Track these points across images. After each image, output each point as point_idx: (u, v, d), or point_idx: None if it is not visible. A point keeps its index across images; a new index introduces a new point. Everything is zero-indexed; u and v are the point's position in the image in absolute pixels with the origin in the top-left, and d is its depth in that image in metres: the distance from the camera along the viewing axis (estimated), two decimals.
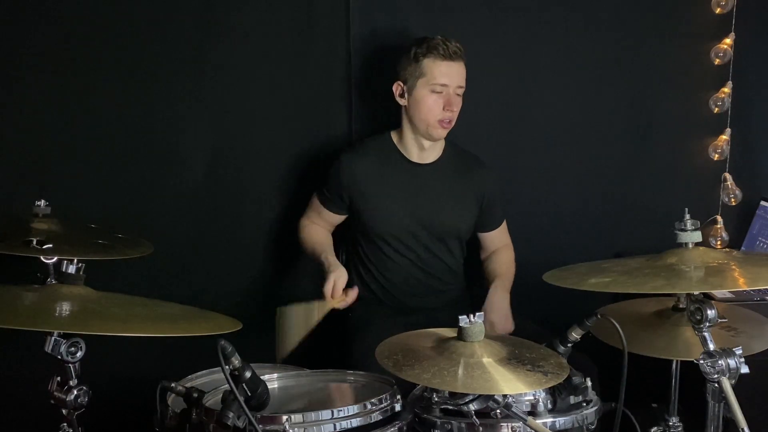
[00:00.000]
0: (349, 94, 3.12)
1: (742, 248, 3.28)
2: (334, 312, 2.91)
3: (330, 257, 2.79)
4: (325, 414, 1.80)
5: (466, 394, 1.86)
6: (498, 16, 3.19)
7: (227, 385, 1.73)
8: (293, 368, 2.29)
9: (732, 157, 3.29)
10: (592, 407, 2.00)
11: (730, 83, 3.25)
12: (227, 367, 1.72)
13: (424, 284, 2.90)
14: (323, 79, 3.10)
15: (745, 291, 2.83)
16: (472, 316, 1.88)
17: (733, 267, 1.93)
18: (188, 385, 2.02)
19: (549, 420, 1.93)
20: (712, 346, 1.84)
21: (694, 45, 3.26)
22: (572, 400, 1.98)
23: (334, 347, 2.87)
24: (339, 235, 3.01)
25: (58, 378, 1.83)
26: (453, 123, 2.81)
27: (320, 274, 2.79)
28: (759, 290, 2.88)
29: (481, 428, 1.86)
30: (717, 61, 3.24)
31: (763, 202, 3.28)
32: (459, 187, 2.91)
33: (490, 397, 1.84)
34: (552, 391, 1.94)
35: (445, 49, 2.74)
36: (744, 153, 3.32)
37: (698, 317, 1.84)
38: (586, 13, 3.23)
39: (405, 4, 3.12)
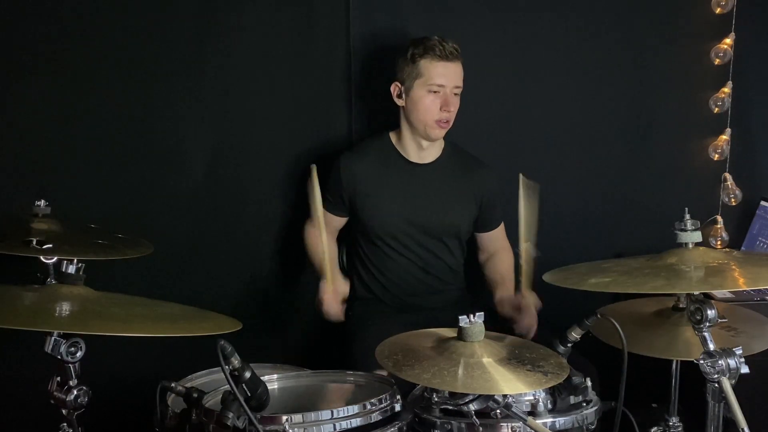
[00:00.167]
0: (349, 94, 3.12)
1: (742, 248, 3.28)
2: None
3: (323, 266, 2.77)
4: (325, 414, 1.80)
5: (466, 394, 1.86)
6: (498, 16, 3.19)
7: (227, 386, 1.73)
8: (293, 368, 2.29)
9: (732, 157, 3.29)
10: (592, 407, 2.00)
11: (730, 83, 3.25)
12: (227, 367, 1.72)
13: (424, 284, 2.91)
14: (323, 79, 3.10)
15: (745, 291, 2.83)
16: (472, 316, 1.88)
17: (733, 267, 1.93)
18: (188, 385, 2.02)
19: (549, 420, 1.93)
20: (712, 346, 1.84)
21: (694, 45, 3.26)
22: (572, 400, 1.98)
23: (334, 347, 2.87)
24: (339, 235, 3.01)
25: (58, 378, 1.82)
26: (451, 123, 2.81)
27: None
28: (759, 290, 2.88)
29: (481, 428, 1.86)
30: (717, 61, 3.24)
31: (763, 202, 3.28)
32: (458, 186, 2.92)
33: (490, 397, 1.84)
34: (552, 391, 1.94)
35: (441, 50, 2.74)
36: (744, 153, 3.32)
37: (698, 317, 1.84)
38: (586, 13, 3.23)
39: (405, 4, 3.12)
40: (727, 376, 1.80)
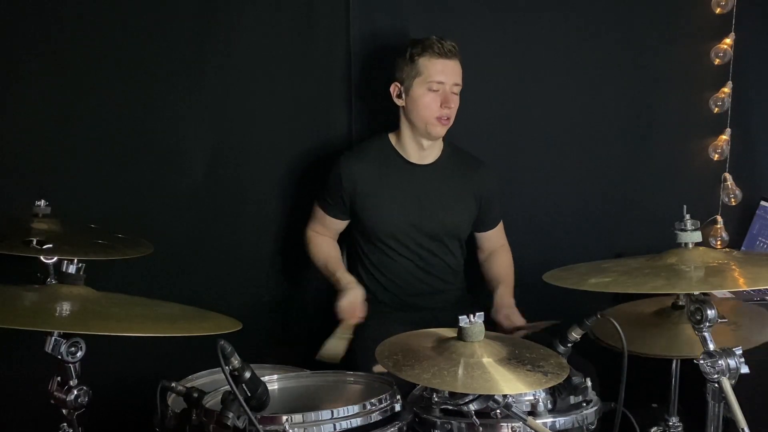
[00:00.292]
0: (349, 95, 3.12)
1: (742, 248, 3.28)
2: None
3: (345, 275, 2.82)
4: (325, 414, 1.80)
5: (466, 394, 1.86)
6: (498, 16, 3.19)
7: (227, 386, 1.73)
8: (293, 368, 2.29)
9: (732, 157, 3.29)
10: (592, 407, 2.00)
11: (730, 83, 3.25)
12: (227, 367, 1.72)
13: (425, 284, 2.90)
14: (323, 79, 3.10)
15: (745, 291, 2.83)
16: (472, 316, 1.88)
17: (733, 267, 1.93)
18: (188, 385, 2.02)
19: (549, 420, 1.93)
20: (712, 346, 1.84)
21: (694, 45, 3.27)
22: (572, 400, 1.98)
23: None
24: (339, 236, 3.01)
25: (58, 378, 1.82)
26: (451, 120, 2.81)
27: (333, 291, 2.82)
28: (759, 290, 2.88)
29: (481, 428, 1.86)
30: (717, 61, 3.25)
31: (763, 202, 3.28)
32: (458, 186, 2.92)
33: (490, 397, 1.84)
34: (552, 391, 1.94)
35: (440, 48, 2.75)
36: (744, 153, 3.32)
37: (698, 317, 1.84)
38: (586, 13, 3.23)
39: (405, 4, 3.12)
40: (727, 376, 1.80)
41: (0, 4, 2.82)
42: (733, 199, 3.30)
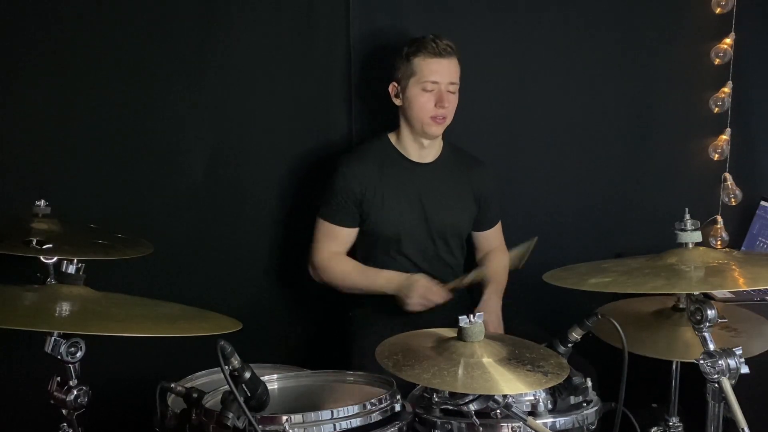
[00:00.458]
0: (349, 95, 3.12)
1: (742, 248, 3.28)
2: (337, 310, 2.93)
3: (390, 272, 2.79)
4: (325, 414, 1.80)
5: (466, 394, 1.86)
6: (498, 16, 3.19)
7: (227, 386, 1.73)
8: (293, 368, 2.29)
9: (732, 157, 3.29)
10: (592, 407, 2.00)
11: (730, 83, 3.25)
12: (227, 367, 1.72)
13: None
14: (323, 79, 3.10)
15: (745, 291, 2.83)
16: (472, 316, 1.88)
17: (733, 267, 1.93)
18: (188, 385, 2.02)
19: (549, 420, 1.93)
20: (712, 347, 1.84)
21: (694, 45, 3.27)
22: (572, 400, 1.98)
23: (334, 347, 2.87)
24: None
25: (58, 378, 1.82)
26: (448, 119, 2.81)
27: (333, 292, 2.82)
28: (759, 290, 2.88)
29: (481, 428, 1.86)
30: (717, 61, 3.25)
31: (763, 202, 3.28)
32: (459, 185, 2.92)
33: (490, 397, 1.84)
34: (552, 392, 1.94)
35: (434, 47, 2.74)
36: (744, 153, 3.32)
37: (698, 317, 1.84)
38: (586, 13, 3.23)
39: (405, 4, 3.12)
40: (727, 376, 1.80)
41: (0, 4, 2.82)
42: (733, 199, 3.30)
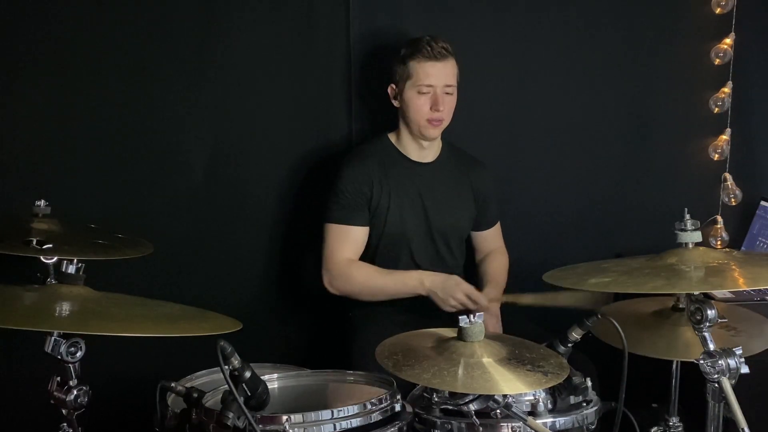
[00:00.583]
0: (349, 94, 3.12)
1: (742, 248, 3.27)
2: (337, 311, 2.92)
3: (430, 274, 2.75)
4: (325, 414, 1.80)
5: (466, 394, 1.86)
6: (498, 16, 3.19)
7: (227, 386, 1.73)
8: (293, 368, 2.29)
9: (732, 157, 3.29)
10: (592, 407, 2.00)
11: (730, 83, 3.25)
12: (227, 367, 1.72)
13: None
14: (323, 79, 3.10)
15: (745, 291, 2.83)
16: (472, 316, 1.88)
17: (733, 267, 1.93)
18: (188, 385, 2.02)
19: (549, 420, 1.92)
20: (712, 346, 1.83)
21: (694, 45, 3.27)
22: (572, 400, 1.98)
23: (334, 347, 2.87)
24: None
25: (58, 378, 1.82)
26: (444, 122, 2.81)
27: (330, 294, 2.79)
28: (759, 290, 2.88)
29: (481, 428, 1.86)
30: (717, 61, 3.24)
31: (763, 202, 3.28)
32: (459, 185, 2.92)
33: (490, 397, 1.84)
34: (552, 391, 1.94)
35: (429, 50, 2.74)
36: (744, 153, 3.32)
37: (698, 317, 1.84)
38: (586, 13, 3.23)
39: (405, 4, 3.12)
40: (727, 376, 1.80)
41: (0, 4, 2.82)
42: (733, 199, 3.30)
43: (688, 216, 1.99)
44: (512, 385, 1.79)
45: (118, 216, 2.92)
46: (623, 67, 3.28)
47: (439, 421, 1.93)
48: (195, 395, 1.95)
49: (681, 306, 2.16)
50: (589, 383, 1.99)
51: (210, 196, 3.07)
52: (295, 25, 3.06)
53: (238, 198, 3.10)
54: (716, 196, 3.32)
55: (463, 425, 1.90)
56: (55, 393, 1.82)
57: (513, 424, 1.89)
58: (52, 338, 1.77)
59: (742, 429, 1.75)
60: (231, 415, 1.72)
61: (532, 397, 1.92)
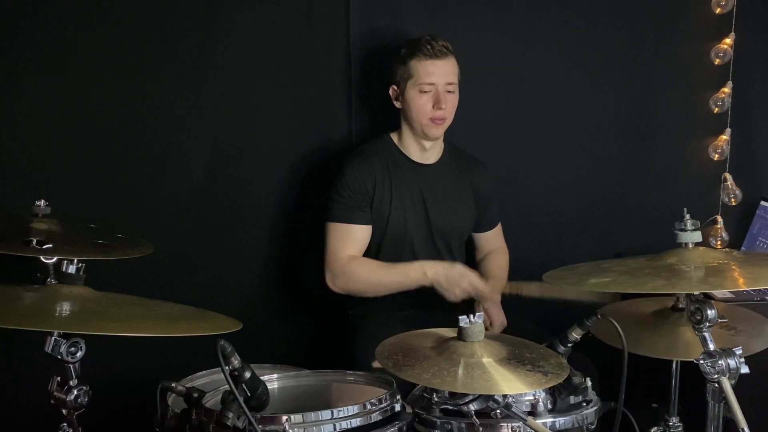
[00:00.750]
0: (349, 94, 3.12)
1: (742, 248, 3.28)
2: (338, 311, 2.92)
3: (433, 263, 2.75)
4: (325, 414, 1.80)
5: (466, 394, 1.86)
6: (498, 16, 3.20)
7: (227, 386, 1.73)
8: (293, 368, 2.29)
9: (732, 157, 3.29)
10: (592, 407, 2.00)
11: (730, 83, 3.25)
12: (227, 367, 1.72)
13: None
14: (323, 79, 3.10)
15: (745, 291, 2.83)
16: (472, 316, 1.88)
17: (733, 267, 1.93)
18: (188, 385, 2.02)
19: (549, 420, 1.92)
20: (712, 346, 1.83)
21: (694, 45, 3.27)
22: (572, 400, 1.98)
23: (334, 347, 2.87)
24: None
25: (58, 378, 1.82)
26: (447, 120, 2.81)
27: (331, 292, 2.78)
28: (759, 290, 2.88)
29: (481, 428, 1.86)
30: (717, 61, 3.25)
31: (763, 202, 3.28)
32: (460, 186, 2.92)
33: (490, 397, 1.84)
34: (552, 391, 1.94)
35: (429, 49, 2.74)
36: (744, 153, 3.32)
37: (698, 317, 1.84)
38: (586, 13, 3.23)
39: (405, 4, 3.12)
40: (727, 376, 1.80)
41: (0, 4, 2.82)
42: (733, 199, 3.30)
43: (688, 216, 1.99)
44: (512, 385, 1.79)
45: (118, 216, 2.92)
46: (623, 67, 3.28)
47: (439, 421, 1.93)
48: (195, 395, 1.95)
49: (681, 306, 2.16)
50: (589, 383, 1.99)
51: (210, 196, 3.07)
52: (295, 25, 3.06)
53: (238, 198, 3.10)
54: (716, 196, 3.32)
55: (463, 425, 1.90)
56: (55, 393, 1.82)
57: (513, 424, 1.89)
58: (52, 338, 1.77)
59: (742, 429, 1.75)
60: (231, 415, 1.72)
61: (532, 397, 1.92)
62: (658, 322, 2.20)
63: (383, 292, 2.79)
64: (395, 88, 2.84)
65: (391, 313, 2.80)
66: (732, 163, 3.30)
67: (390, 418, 1.89)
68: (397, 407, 1.91)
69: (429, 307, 2.83)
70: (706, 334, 1.84)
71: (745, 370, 1.82)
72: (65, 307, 1.80)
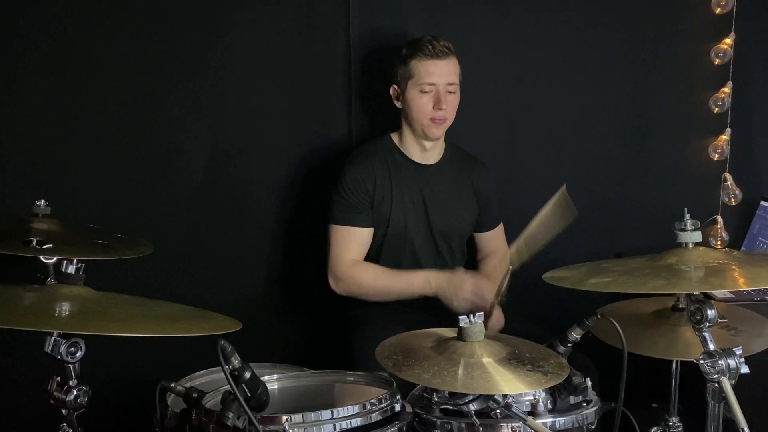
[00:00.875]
0: (349, 94, 3.12)
1: (742, 248, 3.28)
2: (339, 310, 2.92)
3: (436, 273, 2.73)
4: (325, 414, 1.80)
5: (466, 394, 1.86)
6: (498, 16, 3.20)
7: (227, 386, 1.73)
8: (293, 368, 2.29)
9: (732, 157, 3.29)
10: (592, 407, 2.00)
11: (730, 83, 3.25)
12: (227, 367, 1.72)
13: None
14: (323, 79, 3.10)
15: (745, 291, 2.83)
16: (472, 316, 1.88)
17: (733, 267, 1.92)
18: (188, 385, 2.02)
19: (549, 420, 1.92)
20: (712, 346, 1.83)
21: (694, 45, 3.27)
22: (572, 400, 1.98)
23: (334, 347, 2.87)
24: None
25: (58, 378, 1.82)
26: (448, 120, 2.81)
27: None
28: (759, 290, 2.88)
29: (481, 428, 1.86)
30: (717, 61, 3.25)
31: (763, 202, 3.28)
32: (461, 186, 2.92)
33: (490, 397, 1.84)
34: (552, 391, 1.94)
35: (430, 49, 2.74)
36: (744, 153, 3.32)
37: (698, 317, 1.84)
38: (586, 13, 3.23)
39: (405, 4, 3.12)
40: (727, 376, 1.80)
41: (0, 4, 2.82)
42: (733, 199, 3.30)
43: (688, 216, 1.99)
44: (512, 385, 1.79)
45: (118, 216, 2.92)
46: (623, 67, 3.28)
47: (439, 421, 1.93)
48: (195, 395, 1.95)
49: (681, 306, 2.16)
50: (589, 383, 1.99)
51: (210, 196, 3.07)
52: (295, 25, 3.06)
53: (238, 198, 3.10)
54: (716, 196, 3.32)
55: (463, 425, 1.90)
56: (55, 393, 1.82)
57: (513, 424, 1.89)
58: (52, 338, 1.76)
59: (742, 429, 1.75)
60: (231, 415, 1.72)
61: (532, 397, 1.92)
62: (658, 322, 2.20)
63: (386, 299, 2.79)
64: (396, 88, 2.84)
65: (392, 314, 2.80)
66: (732, 163, 3.30)
67: (390, 418, 1.89)
68: (397, 407, 1.91)
69: (430, 309, 2.83)
70: (706, 334, 1.84)
71: (745, 370, 1.82)
72: (65, 307, 1.80)
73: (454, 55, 2.79)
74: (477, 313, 1.90)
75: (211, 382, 2.13)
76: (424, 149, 2.88)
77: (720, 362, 1.80)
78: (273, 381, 2.06)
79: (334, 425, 1.80)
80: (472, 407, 1.86)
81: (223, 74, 3.03)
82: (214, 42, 3.01)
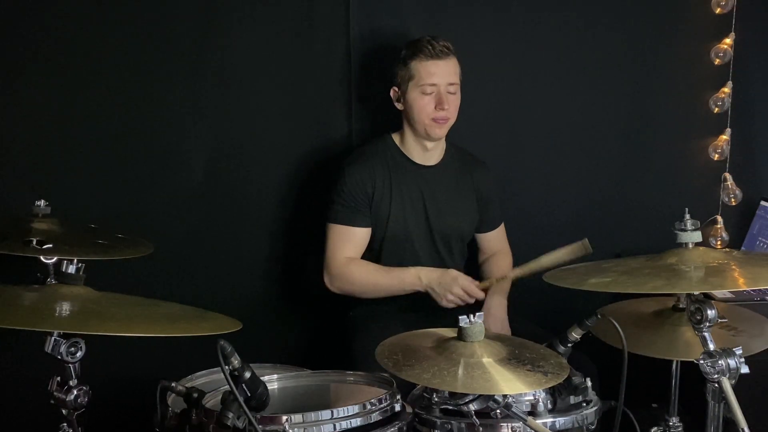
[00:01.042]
0: (349, 95, 3.11)
1: (742, 248, 3.27)
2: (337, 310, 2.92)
3: (428, 270, 2.74)
4: (325, 414, 1.80)
5: (466, 394, 1.86)
6: (498, 16, 3.19)
7: (227, 386, 1.73)
8: (293, 368, 2.29)
9: (732, 157, 3.29)
10: (592, 407, 2.00)
11: (730, 83, 3.25)
12: (227, 367, 1.72)
13: None
14: (323, 79, 3.10)
15: (745, 291, 2.83)
16: (472, 316, 1.88)
17: (733, 267, 1.93)
18: (188, 385, 2.02)
19: (549, 420, 1.93)
20: (712, 346, 1.84)
21: (694, 45, 3.27)
22: (572, 400, 1.98)
23: (334, 347, 2.87)
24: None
25: (58, 378, 1.82)
26: (450, 120, 2.80)
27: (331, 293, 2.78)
28: (759, 290, 2.88)
29: (481, 428, 1.86)
30: (717, 61, 3.24)
31: (763, 202, 3.28)
32: (461, 187, 2.92)
33: (490, 397, 1.84)
34: (552, 391, 1.94)
35: (430, 49, 2.74)
36: (744, 153, 3.32)
37: (698, 317, 1.84)
38: (586, 13, 3.23)
39: (405, 4, 3.12)
40: (727, 376, 1.80)
41: (0, 4, 2.82)
42: (733, 199, 3.30)
43: (688, 216, 1.99)
44: (512, 385, 1.79)
45: (118, 216, 2.92)
46: (623, 67, 3.28)
47: (439, 421, 1.93)
48: (195, 395, 1.95)
49: (681, 306, 2.16)
50: (589, 383, 1.99)
51: (210, 196, 3.07)
52: (295, 25, 3.06)
53: (238, 198, 3.10)
54: (716, 196, 3.32)
55: (463, 425, 1.90)
56: (55, 393, 1.82)
57: (513, 424, 1.89)
58: (52, 338, 1.77)
59: (742, 429, 1.76)
60: (231, 415, 1.72)
61: (532, 397, 1.92)
62: (658, 322, 2.20)
63: (379, 295, 2.79)
64: (396, 89, 2.83)
65: (392, 314, 2.80)
66: (732, 163, 3.30)
67: (390, 418, 1.89)
68: (397, 407, 1.92)
69: (430, 309, 2.83)
70: (706, 334, 1.84)
71: (745, 370, 1.82)
72: (65, 307, 1.80)
73: (454, 55, 2.78)
74: (477, 314, 1.90)
75: (212, 382, 2.13)
76: (426, 150, 2.87)
77: (720, 362, 1.80)
78: (273, 381, 2.06)
79: (334, 425, 1.80)
80: (472, 407, 1.86)
81: (223, 74, 3.03)
82: (214, 42, 3.01)
